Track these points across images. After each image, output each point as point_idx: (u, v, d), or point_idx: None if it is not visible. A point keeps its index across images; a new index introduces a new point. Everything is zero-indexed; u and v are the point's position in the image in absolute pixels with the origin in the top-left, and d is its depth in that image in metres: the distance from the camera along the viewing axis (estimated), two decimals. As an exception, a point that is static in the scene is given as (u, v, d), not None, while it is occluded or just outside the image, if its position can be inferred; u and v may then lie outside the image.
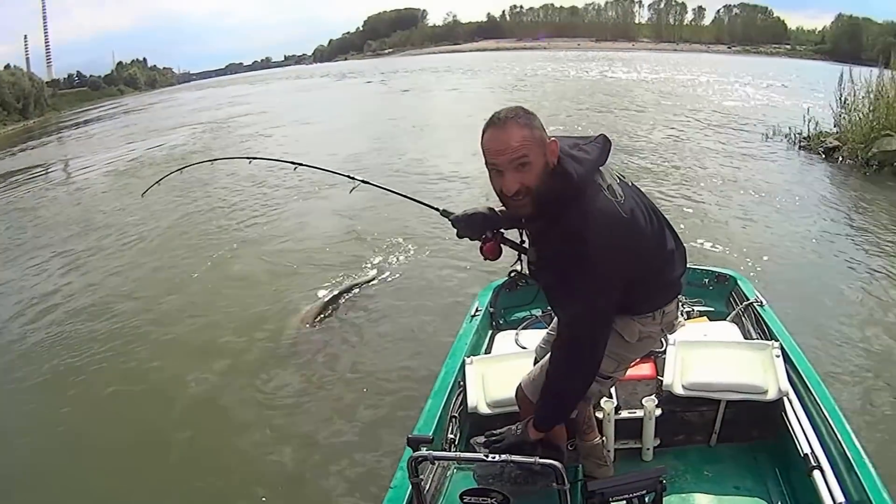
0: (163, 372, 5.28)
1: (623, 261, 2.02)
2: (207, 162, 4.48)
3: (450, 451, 2.74)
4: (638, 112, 19.75)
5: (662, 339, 3.27)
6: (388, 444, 3.93)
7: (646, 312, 2.27)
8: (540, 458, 1.95)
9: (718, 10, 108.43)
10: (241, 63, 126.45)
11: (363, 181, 3.24)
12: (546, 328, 2.96)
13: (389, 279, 6.70)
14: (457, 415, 2.99)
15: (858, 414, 3.94)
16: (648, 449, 3.00)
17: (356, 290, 6.42)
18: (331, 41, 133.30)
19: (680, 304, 3.89)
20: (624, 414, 2.97)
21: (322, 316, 5.89)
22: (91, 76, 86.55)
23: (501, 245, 2.45)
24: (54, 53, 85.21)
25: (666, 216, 2.30)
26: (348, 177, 3.30)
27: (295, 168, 3.67)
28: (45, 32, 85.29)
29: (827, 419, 2.64)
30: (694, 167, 11.60)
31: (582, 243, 1.94)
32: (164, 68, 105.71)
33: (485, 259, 2.47)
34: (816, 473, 2.46)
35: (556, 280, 2.09)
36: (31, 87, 52.06)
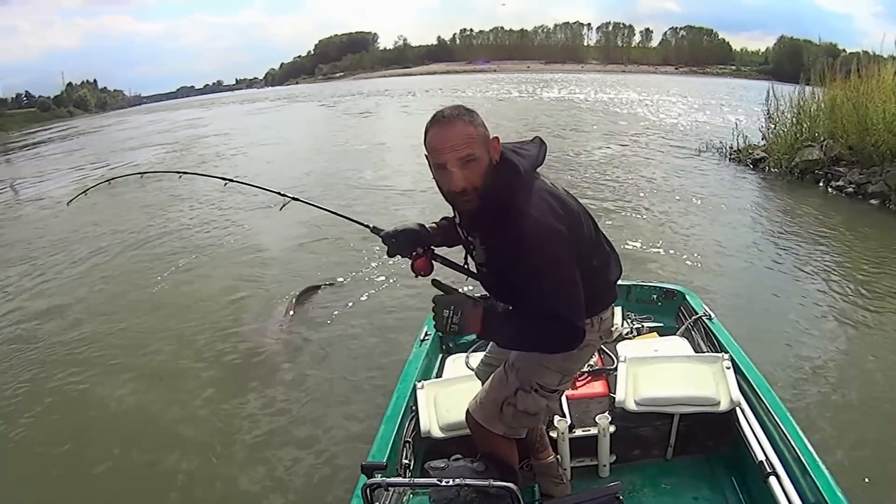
0: (88, 394, 5.07)
1: (572, 243, 2.01)
2: (136, 175, 4.38)
3: (404, 476, 2.70)
4: (578, 131, 20.26)
5: (613, 357, 3.32)
6: (343, 471, 3.82)
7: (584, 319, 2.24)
8: (494, 480, 1.92)
9: (665, 33, 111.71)
10: (192, 86, 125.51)
11: (293, 198, 3.18)
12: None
13: (339, 302, 6.51)
14: (410, 440, 2.94)
15: (810, 419, 3.97)
16: (605, 465, 2.98)
17: (302, 314, 6.23)
18: (282, 65, 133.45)
19: (629, 319, 3.95)
20: (578, 432, 2.95)
21: (270, 339, 5.70)
22: (40, 97, 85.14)
23: (433, 262, 2.42)
24: (1, 72, 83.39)
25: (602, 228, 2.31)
26: (279, 193, 3.23)
27: (226, 184, 3.58)
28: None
29: (780, 426, 2.68)
30: (629, 182, 11.87)
31: (536, 228, 1.93)
32: (115, 90, 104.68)
33: (416, 276, 2.42)
34: (772, 479, 2.48)
35: (514, 274, 2.03)
36: (-25, 106, 50.17)
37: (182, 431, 4.40)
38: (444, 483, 1.95)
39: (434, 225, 2.46)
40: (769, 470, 2.53)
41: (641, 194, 10.76)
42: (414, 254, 2.40)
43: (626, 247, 7.36)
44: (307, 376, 5.07)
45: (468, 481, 1.93)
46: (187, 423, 4.51)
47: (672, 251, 7.53)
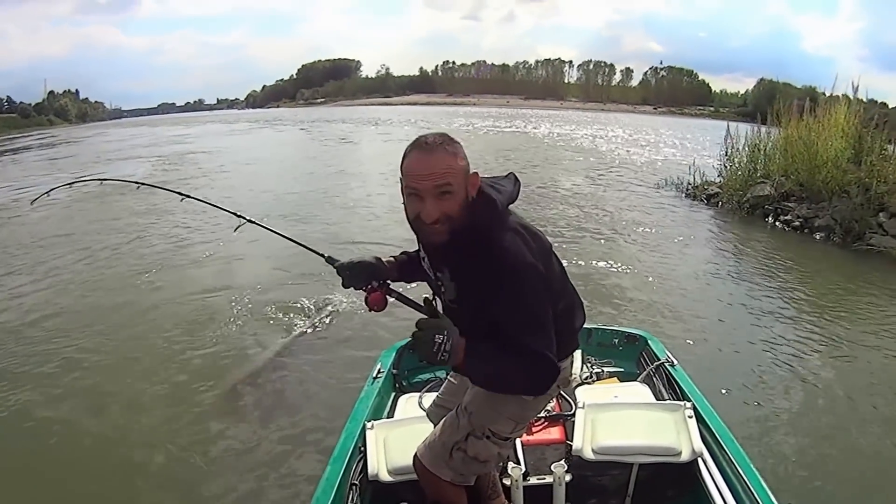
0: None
1: (547, 288, 1.94)
2: (96, 181, 4.08)
3: None
4: (548, 165, 20.80)
5: (571, 402, 3.20)
6: None
7: None
8: None
9: (646, 72, 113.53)
10: (173, 103, 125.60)
11: (249, 220, 3.03)
12: None
13: (290, 332, 6.21)
14: (357, 482, 2.78)
15: (775, 471, 3.86)
16: None
17: (249, 343, 5.96)
18: (264, 87, 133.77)
19: (589, 364, 3.85)
20: (532, 480, 2.83)
21: (211, 370, 5.39)
22: (21, 103, 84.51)
23: (388, 297, 2.32)
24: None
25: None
26: (235, 214, 3.07)
27: (182, 199, 3.39)
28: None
29: (743, 479, 2.57)
30: (587, 216, 12.07)
31: (515, 261, 1.86)
32: (96, 102, 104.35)
33: (369, 310, 2.31)
34: None
35: (492, 307, 1.92)
36: (-45, 108, 49.15)
37: (98, 467, 4.14)
38: None
39: (392, 259, 2.38)
40: None
41: (595, 228, 10.97)
42: (369, 287, 2.30)
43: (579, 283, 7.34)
44: (251, 411, 4.83)
45: None
46: (105, 457, 4.24)
47: (623, 288, 7.57)
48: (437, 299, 2.15)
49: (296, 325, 6.38)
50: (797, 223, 10.64)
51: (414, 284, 2.38)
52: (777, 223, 11.09)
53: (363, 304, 2.31)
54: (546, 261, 1.98)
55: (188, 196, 3.40)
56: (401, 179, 1.92)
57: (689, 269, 8.72)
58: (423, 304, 2.14)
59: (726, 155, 13.39)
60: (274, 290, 7.40)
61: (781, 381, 5.24)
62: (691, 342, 5.95)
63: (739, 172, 12.91)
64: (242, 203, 12.24)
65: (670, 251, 9.57)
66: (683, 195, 14.22)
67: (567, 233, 10.46)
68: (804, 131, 11.37)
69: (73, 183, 4.04)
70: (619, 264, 8.52)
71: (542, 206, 12.75)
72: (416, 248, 2.23)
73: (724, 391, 4.79)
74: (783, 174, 11.74)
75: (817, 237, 10.09)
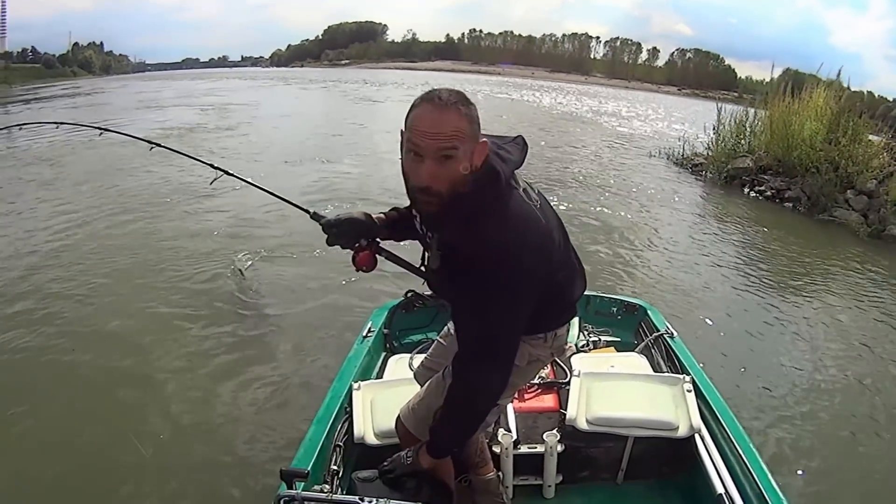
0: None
1: (540, 273, 1.80)
2: (53, 124, 3.84)
3: (331, 485, 2.45)
4: (561, 133, 21.55)
5: (567, 370, 3.12)
6: (268, 476, 3.48)
7: (537, 333, 2.05)
8: (424, 502, 1.76)
9: (672, 53, 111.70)
10: (197, 59, 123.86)
11: (225, 171, 2.91)
12: None
13: (278, 289, 6.17)
14: (341, 444, 2.70)
15: (772, 450, 3.86)
16: (550, 486, 2.82)
17: (237, 300, 5.89)
18: (289, 46, 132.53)
19: (585, 332, 3.77)
20: (524, 449, 2.79)
21: (197, 326, 5.36)
22: (46, 54, 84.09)
23: (377, 256, 2.19)
24: (9, 25, 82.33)
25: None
26: (210, 165, 2.96)
27: (151, 149, 3.28)
28: (3, 3, 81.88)
29: (741, 457, 2.51)
30: (583, 177, 13.21)
31: (500, 249, 1.71)
32: (120, 55, 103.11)
33: (357, 270, 2.18)
34: None
35: (464, 291, 1.83)
36: (-19, 56, 48.74)
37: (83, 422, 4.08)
38: (366, 502, 1.77)
39: (382, 216, 2.24)
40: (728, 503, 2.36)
41: (581, 184, 12.41)
42: (357, 245, 2.16)
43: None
44: (237, 369, 4.72)
45: (393, 502, 1.75)
46: (93, 412, 4.19)
47: (612, 249, 8.15)
48: (426, 256, 2.05)
49: (283, 280, 6.33)
50: (769, 193, 12.02)
51: (405, 243, 2.23)
52: (752, 193, 12.38)
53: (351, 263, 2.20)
54: (546, 240, 1.84)
55: (158, 145, 3.29)
56: (402, 132, 1.75)
57: (663, 221, 10.07)
58: (412, 266, 2.04)
59: (714, 131, 14.40)
60: (262, 243, 7.37)
61: (768, 348, 5.52)
62: (661, 291, 6.62)
63: (725, 146, 14.10)
64: (278, 148, 14.16)
65: (652, 210, 10.71)
66: (673, 164, 15.64)
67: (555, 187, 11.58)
68: (785, 111, 12.44)
69: (23, 125, 3.96)
70: (598, 219, 9.61)
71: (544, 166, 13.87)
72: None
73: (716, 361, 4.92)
74: (764, 150, 12.99)
75: (786, 206, 11.45)
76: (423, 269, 2.10)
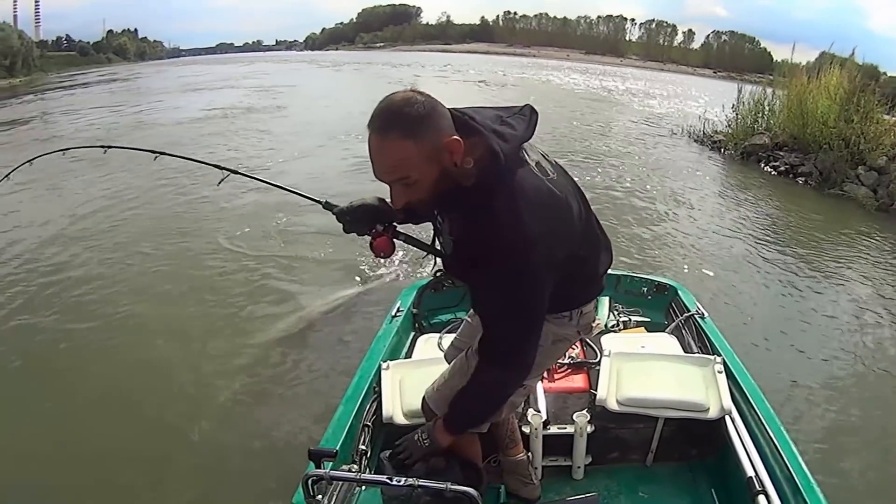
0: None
1: (556, 253, 1.75)
2: (100, 148, 3.49)
3: (359, 465, 2.50)
4: (591, 113, 22.65)
5: (597, 350, 3.12)
6: (296, 455, 3.41)
7: (562, 311, 2.02)
8: (453, 483, 1.73)
9: (708, 36, 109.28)
10: (231, 44, 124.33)
11: (233, 171, 2.83)
12: None
13: (305, 276, 6.28)
14: (370, 424, 2.73)
15: (803, 433, 3.86)
16: (579, 467, 2.82)
17: (266, 288, 6.02)
18: (323, 30, 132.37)
19: (615, 311, 3.75)
20: (553, 429, 2.78)
21: (226, 312, 5.52)
22: (80, 41, 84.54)
23: (395, 240, 2.14)
24: (44, 15, 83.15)
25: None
26: (216, 166, 2.87)
27: (155, 158, 3.13)
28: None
29: (772, 440, 2.48)
30: (608, 152, 14.35)
31: (511, 231, 1.66)
32: (155, 41, 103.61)
33: (376, 256, 2.15)
34: (761, 498, 2.30)
35: (478, 278, 1.82)
36: (20, 45, 48.90)
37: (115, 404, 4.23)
38: (394, 482, 1.76)
39: None
40: (758, 488, 2.34)
41: (606, 157, 13.53)
42: (373, 231, 2.11)
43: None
44: (268, 353, 4.84)
45: (422, 482, 1.74)
46: (126, 396, 4.32)
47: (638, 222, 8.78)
48: (437, 241, 2.04)
49: (309, 268, 6.45)
50: (783, 168, 12.77)
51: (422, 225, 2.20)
52: (767, 168, 13.17)
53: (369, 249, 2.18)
54: (563, 213, 1.79)
55: (162, 153, 3.17)
56: None
57: (681, 195, 10.73)
58: (432, 247, 2.03)
59: (734, 109, 15.16)
60: (289, 232, 7.50)
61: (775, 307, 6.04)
62: (680, 262, 7.14)
63: (744, 124, 14.79)
64: (328, 125, 15.79)
65: (670, 184, 11.54)
66: (693, 141, 16.55)
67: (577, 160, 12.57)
68: (801, 90, 13.03)
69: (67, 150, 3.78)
70: (619, 191, 10.37)
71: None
72: None
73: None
74: (781, 128, 13.66)
75: (798, 181, 12.23)
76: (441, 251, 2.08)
